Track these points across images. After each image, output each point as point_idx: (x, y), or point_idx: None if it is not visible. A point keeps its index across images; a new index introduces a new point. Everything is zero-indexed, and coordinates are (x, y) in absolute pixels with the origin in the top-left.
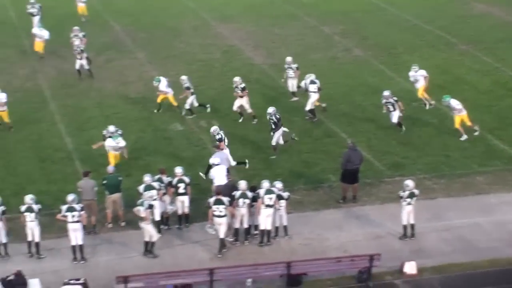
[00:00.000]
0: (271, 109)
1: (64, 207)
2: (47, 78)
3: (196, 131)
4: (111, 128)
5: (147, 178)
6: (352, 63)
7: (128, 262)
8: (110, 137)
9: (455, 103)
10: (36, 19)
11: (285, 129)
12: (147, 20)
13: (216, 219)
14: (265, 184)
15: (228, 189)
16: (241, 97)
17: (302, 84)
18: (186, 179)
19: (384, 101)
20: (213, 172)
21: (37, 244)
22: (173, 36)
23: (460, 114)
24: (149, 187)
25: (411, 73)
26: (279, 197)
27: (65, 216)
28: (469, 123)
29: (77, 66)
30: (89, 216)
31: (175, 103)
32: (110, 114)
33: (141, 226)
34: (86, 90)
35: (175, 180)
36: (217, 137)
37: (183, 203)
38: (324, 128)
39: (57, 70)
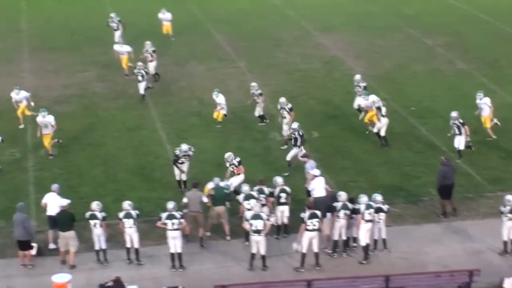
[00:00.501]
0: (295, 125)
1: (164, 215)
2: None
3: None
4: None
5: (245, 187)
6: (455, 76)
7: (226, 272)
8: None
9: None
10: (117, 34)
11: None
12: (248, 29)
13: (309, 233)
14: (364, 198)
15: (329, 200)
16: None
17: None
18: (288, 189)
19: (451, 122)
20: (313, 184)
21: (136, 251)
22: (273, 45)
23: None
24: (249, 197)
25: (477, 100)
26: (379, 210)
27: (165, 224)
28: None
29: (142, 91)
30: (194, 228)
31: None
32: (210, 123)
33: (255, 238)
34: (187, 98)
35: (277, 190)
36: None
37: (283, 213)
38: (425, 141)
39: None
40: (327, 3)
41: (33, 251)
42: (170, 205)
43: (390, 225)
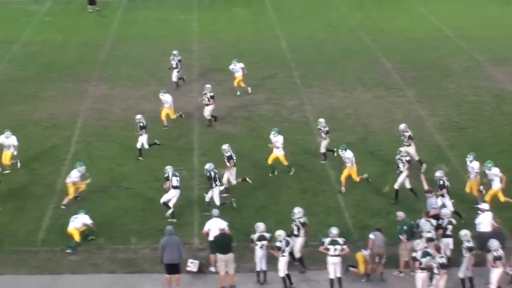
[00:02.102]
0: (402, 149)
1: (327, 240)
2: (314, 111)
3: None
4: None
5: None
6: None
7: None
8: None
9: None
10: (175, 73)
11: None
12: (417, 58)
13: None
14: None
15: (499, 237)
16: None
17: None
18: (454, 221)
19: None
20: (480, 218)
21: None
22: (443, 76)
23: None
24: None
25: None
26: None
27: (328, 249)
28: None
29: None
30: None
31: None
32: (374, 151)
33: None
34: (352, 125)
35: (445, 222)
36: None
37: (447, 246)
38: None
39: (324, 104)
40: (500, 36)
41: (194, 268)
42: (334, 231)
43: None
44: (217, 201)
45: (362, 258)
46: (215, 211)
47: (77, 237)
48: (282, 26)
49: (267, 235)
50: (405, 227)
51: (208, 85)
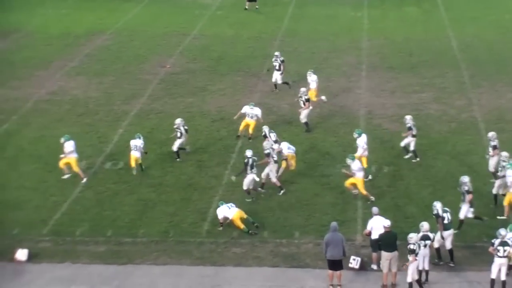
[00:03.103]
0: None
1: (497, 241)
2: (483, 112)
3: None
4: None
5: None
6: None
7: None
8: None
9: None
10: (276, 74)
11: None
12: None
13: None
14: None
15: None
16: None
17: None
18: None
19: None
20: None
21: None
22: None
23: None
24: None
25: None
26: None
27: (497, 250)
28: None
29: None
30: None
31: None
32: None
33: None
34: None
35: None
36: None
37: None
38: None
39: (492, 104)
40: None
41: (356, 265)
42: (503, 232)
43: None
44: (245, 186)
45: None
46: (375, 209)
47: (240, 226)
48: (452, 26)
49: (431, 234)
50: None
51: (303, 88)
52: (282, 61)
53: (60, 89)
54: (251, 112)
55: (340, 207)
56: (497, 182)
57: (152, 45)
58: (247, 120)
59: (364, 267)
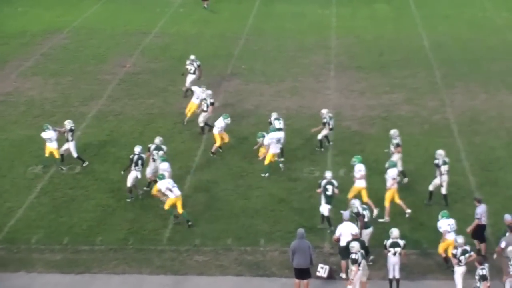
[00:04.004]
0: None
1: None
2: (456, 113)
3: None
4: None
5: None
6: None
7: None
8: None
9: None
10: (190, 78)
11: None
12: None
13: None
14: None
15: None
16: None
17: None
18: None
19: None
20: None
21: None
22: None
23: None
24: None
25: None
26: None
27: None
28: None
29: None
30: None
31: None
32: None
33: None
34: (496, 129)
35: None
36: None
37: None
38: None
39: (466, 105)
40: None
41: (324, 274)
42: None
43: None
44: (128, 183)
45: None
46: (346, 214)
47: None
48: (424, 24)
49: (401, 241)
50: None
51: (209, 91)
52: (199, 66)
53: (15, 90)
54: (200, 95)
55: (308, 213)
56: (436, 180)
57: (111, 44)
58: (192, 101)
59: (332, 275)
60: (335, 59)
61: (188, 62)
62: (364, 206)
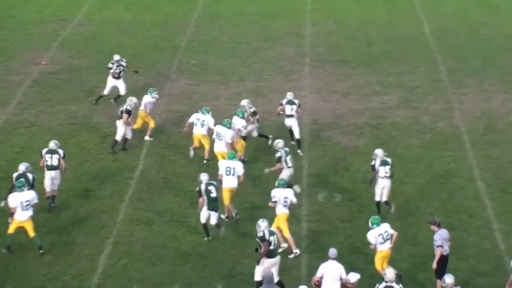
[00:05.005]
0: None
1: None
2: (467, 119)
3: None
4: None
5: None
6: None
7: None
8: None
9: None
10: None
11: None
12: None
13: None
14: None
15: None
16: None
17: None
18: None
19: None
20: None
21: None
22: None
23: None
24: None
25: None
26: None
27: None
28: None
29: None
30: None
31: None
32: None
33: None
34: None
35: None
36: None
37: None
38: None
39: (479, 109)
40: None
41: None
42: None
43: None
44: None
45: None
46: (332, 251)
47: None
48: (424, 5)
49: (396, 286)
50: None
51: (133, 98)
52: (125, 67)
53: None
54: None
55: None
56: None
57: (22, 36)
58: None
59: None
60: (310, 51)
61: (111, 62)
62: (272, 229)
